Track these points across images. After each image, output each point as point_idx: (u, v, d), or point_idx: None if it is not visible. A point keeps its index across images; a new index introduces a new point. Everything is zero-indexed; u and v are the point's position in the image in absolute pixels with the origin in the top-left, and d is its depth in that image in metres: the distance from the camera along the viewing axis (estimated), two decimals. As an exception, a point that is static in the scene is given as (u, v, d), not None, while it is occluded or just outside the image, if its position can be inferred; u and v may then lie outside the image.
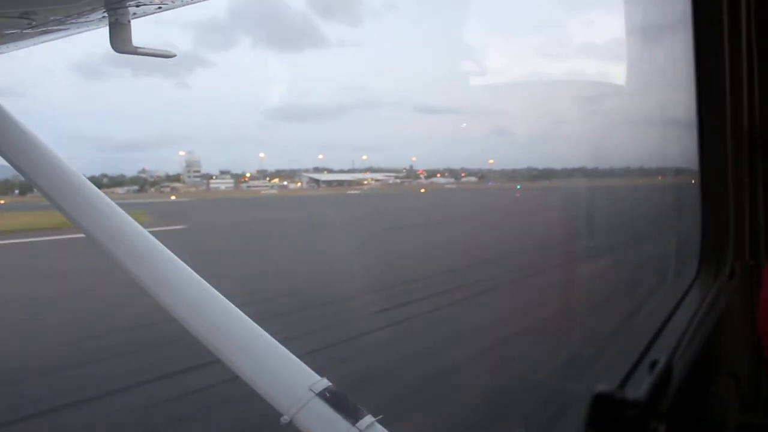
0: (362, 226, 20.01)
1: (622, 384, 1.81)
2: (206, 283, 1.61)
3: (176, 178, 35.16)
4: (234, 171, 39.11)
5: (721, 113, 2.87)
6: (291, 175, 42.15)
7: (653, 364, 1.87)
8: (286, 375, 1.40)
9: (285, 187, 38.08)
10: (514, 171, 34.59)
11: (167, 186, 32.76)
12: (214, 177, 37.63)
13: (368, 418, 1.26)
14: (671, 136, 3.48)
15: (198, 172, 36.62)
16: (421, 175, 43.18)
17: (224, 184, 37.62)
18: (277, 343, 1.49)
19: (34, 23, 1.38)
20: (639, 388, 1.78)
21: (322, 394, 1.30)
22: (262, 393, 1.39)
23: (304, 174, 41.15)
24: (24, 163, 1.84)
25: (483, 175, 38.19)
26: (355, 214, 25.57)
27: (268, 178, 41.17)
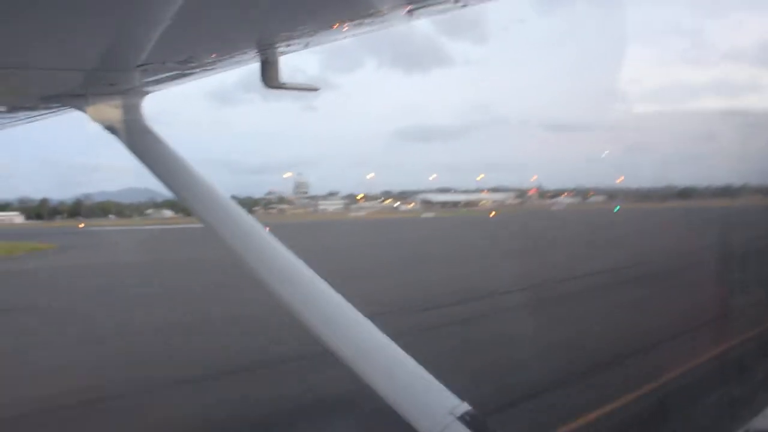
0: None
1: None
2: (355, 309, 1.83)
3: (289, 200, 35.91)
4: (354, 191, 39.16)
5: None
6: (405, 196, 41.57)
7: None
8: (428, 398, 1.54)
9: (396, 208, 37.31)
10: (649, 190, 31.21)
11: (274, 207, 33.37)
12: (323, 198, 37.79)
13: None
14: None
15: (306, 193, 37.20)
16: (533, 195, 40.69)
17: (333, 206, 37.71)
18: (420, 366, 1.71)
19: (193, 65, 1.79)
20: None
21: (462, 418, 1.47)
22: (404, 414, 1.58)
23: (418, 195, 40.40)
24: (180, 187, 2.20)
25: (611, 195, 34.94)
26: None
27: (381, 199, 40.89)
